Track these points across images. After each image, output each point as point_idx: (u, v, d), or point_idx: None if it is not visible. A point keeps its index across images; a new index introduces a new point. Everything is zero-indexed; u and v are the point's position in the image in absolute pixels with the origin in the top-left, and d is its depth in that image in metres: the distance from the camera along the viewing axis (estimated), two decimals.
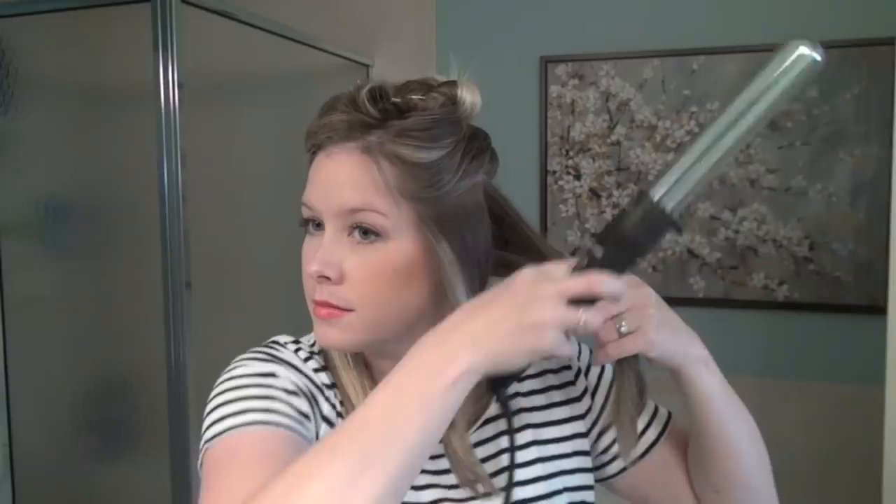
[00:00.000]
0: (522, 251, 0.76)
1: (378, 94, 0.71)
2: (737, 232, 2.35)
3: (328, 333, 0.73)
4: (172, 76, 1.52)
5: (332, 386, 0.77)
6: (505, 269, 0.71)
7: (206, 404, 0.73)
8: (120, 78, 1.67)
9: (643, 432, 0.86)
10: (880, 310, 1.67)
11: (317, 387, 0.76)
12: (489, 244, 0.75)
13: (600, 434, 0.87)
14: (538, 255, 0.75)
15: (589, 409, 0.87)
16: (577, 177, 2.50)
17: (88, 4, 1.60)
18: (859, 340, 2.21)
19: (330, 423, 0.75)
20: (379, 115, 0.70)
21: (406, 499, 0.71)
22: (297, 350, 0.77)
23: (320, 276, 0.71)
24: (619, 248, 0.65)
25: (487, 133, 0.75)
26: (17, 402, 1.74)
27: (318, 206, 0.72)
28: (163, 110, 1.53)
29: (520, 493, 0.79)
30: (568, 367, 0.87)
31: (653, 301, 0.72)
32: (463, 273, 0.71)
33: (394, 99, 0.72)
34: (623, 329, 0.70)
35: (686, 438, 0.86)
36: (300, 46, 2.01)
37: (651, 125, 2.41)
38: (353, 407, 0.76)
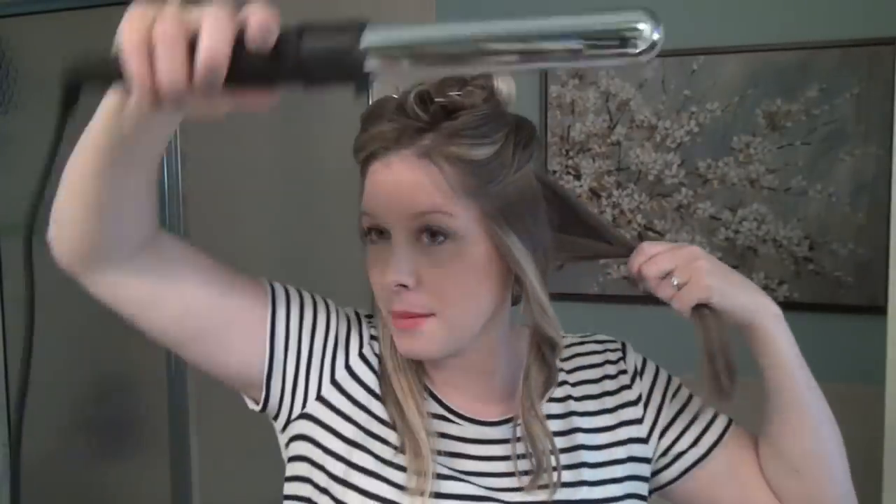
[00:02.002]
0: (582, 232, 0.79)
1: (425, 98, 0.71)
2: (737, 232, 2.35)
3: (411, 344, 0.74)
4: None
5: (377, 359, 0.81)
6: (567, 251, 0.77)
7: None
8: None
9: (702, 435, 0.85)
10: (880, 310, 1.67)
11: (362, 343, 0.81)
12: (548, 228, 0.77)
13: (661, 436, 0.85)
14: (597, 234, 0.79)
15: (645, 413, 0.85)
16: (577, 177, 2.50)
17: (88, 4, 1.60)
18: (859, 340, 2.21)
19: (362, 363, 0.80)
20: (429, 118, 0.71)
21: (456, 490, 0.74)
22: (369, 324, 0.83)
23: (398, 286, 0.71)
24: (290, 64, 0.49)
25: (531, 120, 0.76)
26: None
27: (383, 213, 0.72)
28: None
29: (564, 493, 0.78)
30: (624, 372, 0.87)
31: (700, 254, 0.76)
32: (533, 257, 0.74)
33: (438, 100, 0.72)
34: (675, 282, 0.74)
35: (752, 440, 0.86)
36: None
37: (651, 125, 2.41)
38: (399, 415, 0.77)
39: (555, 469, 0.77)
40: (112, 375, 1.76)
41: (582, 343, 0.90)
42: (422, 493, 0.73)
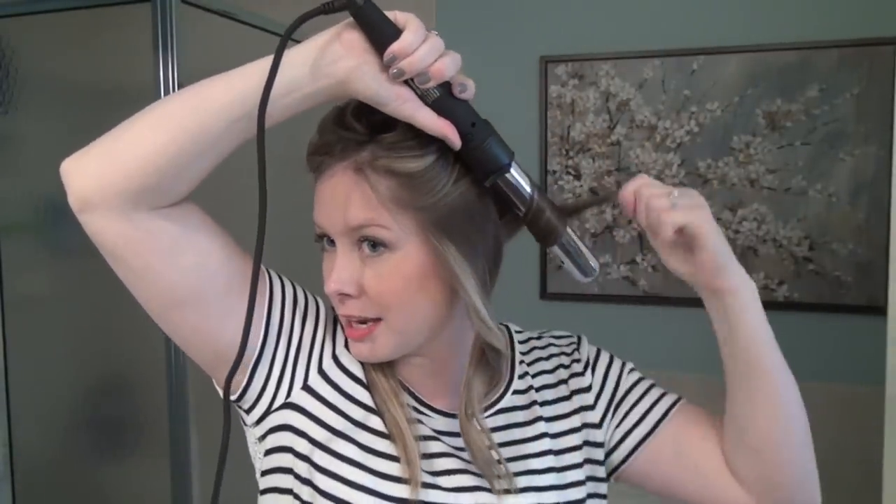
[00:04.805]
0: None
1: (364, 110, 0.71)
2: (737, 232, 2.35)
3: (361, 349, 0.76)
4: (172, 76, 1.51)
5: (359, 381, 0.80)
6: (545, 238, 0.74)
7: None
8: (120, 78, 1.67)
9: (647, 412, 0.86)
10: (880, 310, 1.67)
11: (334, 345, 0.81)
12: (499, 235, 0.76)
13: (612, 418, 0.87)
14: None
15: (598, 399, 0.87)
16: (577, 177, 2.50)
17: (88, 4, 1.59)
18: (859, 340, 2.21)
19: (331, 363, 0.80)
20: (366, 130, 0.71)
21: (447, 500, 0.75)
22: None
23: (340, 294, 0.73)
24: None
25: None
26: (17, 402, 1.74)
27: (325, 225, 0.74)
28: None
29: (534, 480, 0.80)
30: (577, 361, 0.88)
31: (706, 211, 0.73)
32: (473, 270, 0.73)
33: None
34: (674, 197, 0.71)
35: (701, 416, 0.86)
36: None
37: (651, 125, 2.41)
38: (384, 403, 0.78)
39: (499, 462, 0.78)
40: (112, 375, 1.76)
41: (539, 338, 0.92)
42: (415, 483, 0.74)
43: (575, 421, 0.85)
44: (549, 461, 0.82)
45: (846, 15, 2.22)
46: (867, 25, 2.19)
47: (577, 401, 0.86)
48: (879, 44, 2.19)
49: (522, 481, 0.79)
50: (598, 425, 0.86)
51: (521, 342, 0.90)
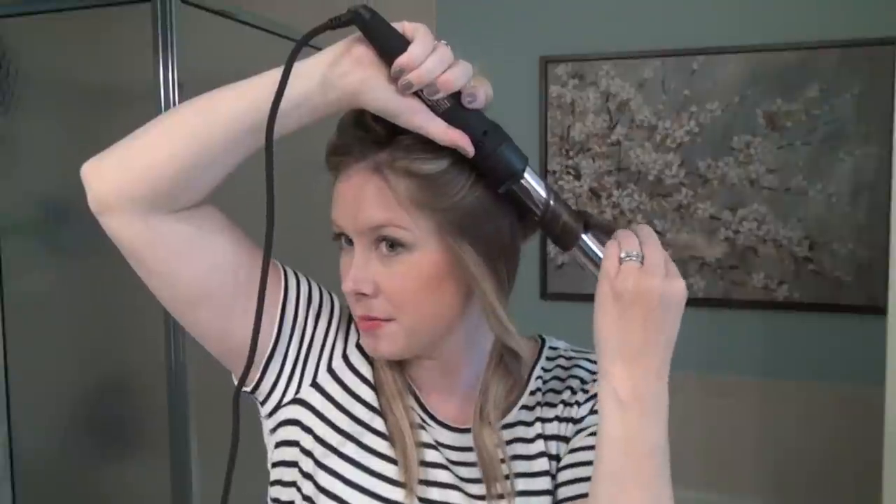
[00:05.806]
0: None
1: None
2: (737, 232, 2.35)
3: (374, 345, 0.76)
4: (172, 76, 1.51)
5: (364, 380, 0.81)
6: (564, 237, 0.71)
7: None
8: (120, 78, 1.67)
9: (582, 479, 0.77)
10: (880, 310, 1.67)
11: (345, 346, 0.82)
12: (515, 232, 0.76)
13: (565, 455, 0.80)
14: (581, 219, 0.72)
15: (574, 437, 0.80)
16: (577, 177, 2.50)
17: (88, 4, 1.59)
18: (859, 340, 2.22)
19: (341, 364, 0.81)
20: (385, 131, 0.71)
21: (434, 497, 0.75)
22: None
23: (357, 293, 0.74)
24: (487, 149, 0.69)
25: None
26: (17, 402, 1.74)
27: (344, 225, 0.74)
28: (163, 110, 1.53)
29: (532, 503, 0.77)
30: (585, 391, 0.82)
31: (656, 287, 0.64)
32: (490, 270, 0.73)
33: None
34: (624, 256, 0.66)
35: None
36: None
37: (651, 125, 2.41)
38: (388, 406, 0.78)
39: (507, 478, 0.77)
40: (112, 375, 1.76)
41: (570, 358, 0.86)
42: (410, 489, 0.74)
43: (561, 447, 0.80)
44: (542, 483, 0.78)
45: (846, 15, 2.22)
46: (867, 25, 2.20)
47: (563, 428, 0.80)
48: (879, 44, 2.19)
49: (518, 502, 0.76)
50: (559, 459, 0.80)
51: (548, 358, 0.85)
